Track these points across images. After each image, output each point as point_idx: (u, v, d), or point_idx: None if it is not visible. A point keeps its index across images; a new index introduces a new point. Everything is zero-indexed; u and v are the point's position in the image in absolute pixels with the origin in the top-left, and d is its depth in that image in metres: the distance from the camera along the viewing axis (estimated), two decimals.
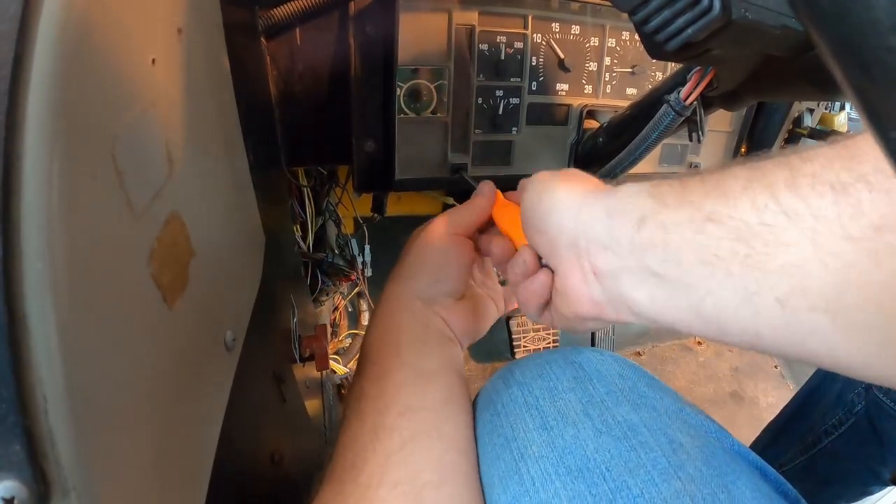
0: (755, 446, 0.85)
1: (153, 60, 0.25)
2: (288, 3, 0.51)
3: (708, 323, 0.26)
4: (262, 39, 0.53)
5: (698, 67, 0.45)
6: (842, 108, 0.82)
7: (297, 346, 0.60)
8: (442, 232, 0.42)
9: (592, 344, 1.11)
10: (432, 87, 0.56)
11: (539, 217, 0.33)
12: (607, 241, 0.29)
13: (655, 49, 0.32)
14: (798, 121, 0.76)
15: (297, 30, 0.55)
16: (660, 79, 0.66)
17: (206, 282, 0.30)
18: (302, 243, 0.80)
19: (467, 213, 0.43)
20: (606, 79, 0.64)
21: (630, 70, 0.64)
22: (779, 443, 0.79)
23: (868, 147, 0.21)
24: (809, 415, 0.75)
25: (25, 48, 0.17)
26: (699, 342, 1.32)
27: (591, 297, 0.31)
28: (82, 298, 0.18)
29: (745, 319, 0.24)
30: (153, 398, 0.24)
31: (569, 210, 0.31)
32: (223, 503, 0.31)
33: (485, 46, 0.57)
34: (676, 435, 0.31)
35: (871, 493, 0.71)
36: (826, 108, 0.80)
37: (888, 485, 0.68)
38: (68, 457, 0.17)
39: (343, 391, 0.96)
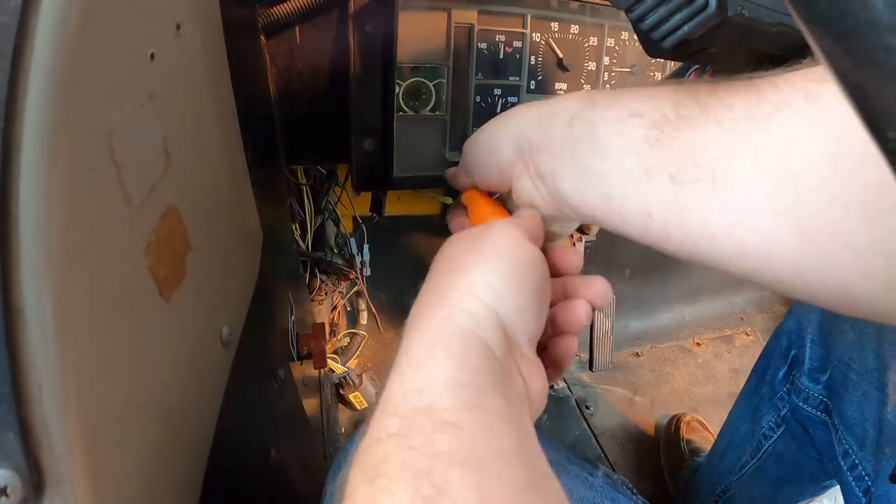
0: (714, 451, 0.84)
1: (152, 55, 0.25)
2: (288, 2, 0.51)
3: (612, 204, 0.28)
4: (262, 38, 0.53)
5: (696, 66, 0.45)
6: None
7: (294, 344, 0.60)
8: (521, 236, 0.30)
9: (591, 343, 1.10)
10: (431, 85, 0.56)
11: (489, 143, 0.36)
12: (542, 142, 0.32)
13: (652, 47, 0.32)
14: None
15: (297, 28, 0.55)
16: (658, 79, 0.66)
17: (203, 276, 0.31)
18: (301, 242, 0.80)
19: (534, 219, 0.33)
20: (605, 78, 0.64)
21: (629, 70, 0.65)
22: (733, 447, 0.78)
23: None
24: (749, 417, 0.74)
25: (25, 40, 0.17)
26: (698, 343, 1.32)
27: (541, 195, 0.33)
28: (78, 289, 0.18)
29: (639, 195, 0.27)
30: (148, 390, 0.24)
31: (508, 125, 0.34)
32: (219, 499, 0.31)
33: (484, 45, 0.57)
34: None
35: (831, 486, 0.69)
36: None
37: (846, 475, 0.64)
38: (63, 446, 0.17)
39: (341, 391, 0.95)
